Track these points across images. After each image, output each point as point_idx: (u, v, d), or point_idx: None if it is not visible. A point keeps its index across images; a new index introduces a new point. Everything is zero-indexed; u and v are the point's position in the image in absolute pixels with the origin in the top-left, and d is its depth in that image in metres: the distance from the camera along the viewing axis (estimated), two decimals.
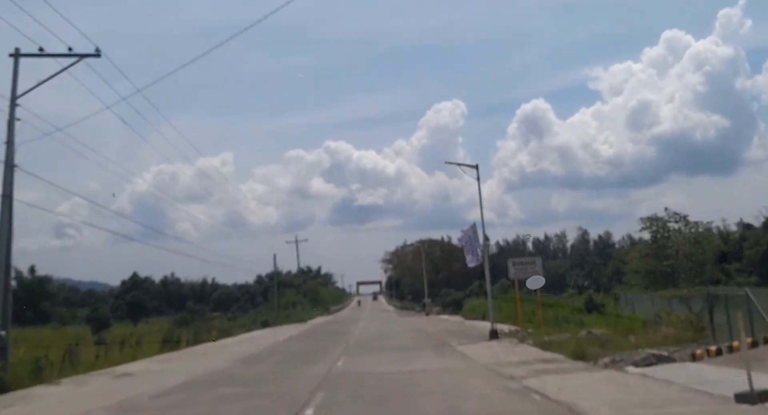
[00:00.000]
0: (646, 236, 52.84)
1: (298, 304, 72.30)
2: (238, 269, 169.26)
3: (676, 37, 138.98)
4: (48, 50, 19.86)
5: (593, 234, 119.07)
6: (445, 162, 26.36)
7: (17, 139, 19.23)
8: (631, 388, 11.64)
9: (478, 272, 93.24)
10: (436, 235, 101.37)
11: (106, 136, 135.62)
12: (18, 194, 19.35)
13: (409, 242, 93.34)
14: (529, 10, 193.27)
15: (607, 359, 15.67)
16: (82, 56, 20.20)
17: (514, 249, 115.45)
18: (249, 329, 49.46)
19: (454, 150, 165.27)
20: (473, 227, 25.82)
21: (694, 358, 15.34)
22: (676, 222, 50.89)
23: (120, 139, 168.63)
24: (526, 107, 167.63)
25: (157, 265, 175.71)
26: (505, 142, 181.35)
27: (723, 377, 11.74)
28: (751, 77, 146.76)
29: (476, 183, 25.63)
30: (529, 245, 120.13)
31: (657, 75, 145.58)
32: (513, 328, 28.29)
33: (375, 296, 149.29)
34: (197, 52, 37.81)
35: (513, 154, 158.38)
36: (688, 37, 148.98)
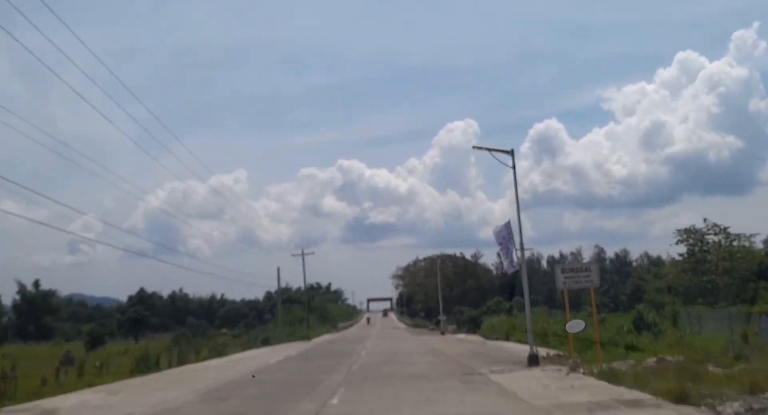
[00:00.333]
0: (681, 249, 46.76)
1: (304, 320, 66.47)
2: (245, 283, 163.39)
3: (690, 59, 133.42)
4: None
5: (609, 253, 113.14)
6: (473, 146, 20.18)
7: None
8: None
9: (495, 288, 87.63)
10: (448, 253, 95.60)
11: (121, 154, 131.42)
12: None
13: (421, 258, 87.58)
14: (542, 30, 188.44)
15: (736, 407, 10.03)
16: None
17: (529, 267, 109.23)
18: (248, 347, 43.93)
19: (466, 169, 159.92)
20: (508, 225, 20.19)
21: None
22: (716, 234, 45.03)
23: (134, 158, 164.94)
24: (539, 127, 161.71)
25: (169, 281, 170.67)
26: (517, 161, 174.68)
27: None
28: (765, 98, 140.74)
29: (511, 172, 20.21)
30: (544, 262, 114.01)
31: (670, 96, 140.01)
32: (551, 351, 22.66)
33: (385, 313, 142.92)
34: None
35: (526, 174, 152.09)
36: (702, 59, 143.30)
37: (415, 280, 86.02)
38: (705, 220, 45.97)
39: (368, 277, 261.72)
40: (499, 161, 20.31)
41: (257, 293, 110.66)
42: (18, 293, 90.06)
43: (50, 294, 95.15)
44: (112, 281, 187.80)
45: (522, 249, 19.91)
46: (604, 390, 13.18)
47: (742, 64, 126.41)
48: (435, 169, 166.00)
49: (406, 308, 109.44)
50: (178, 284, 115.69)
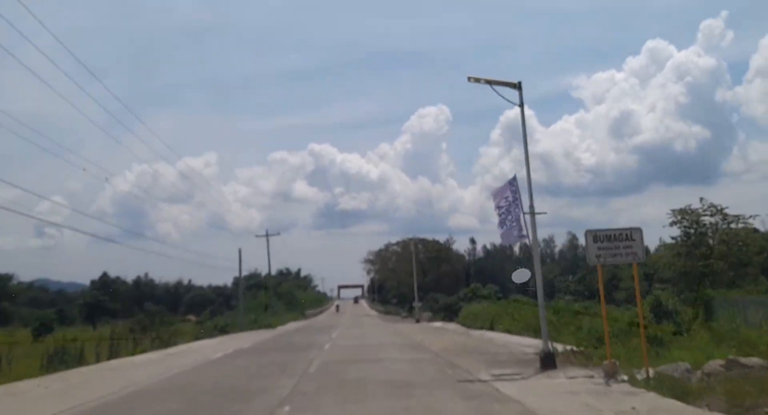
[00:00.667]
0: (674, 232, 42.08)
1: (270, 307, 60.77)
2: (212, 268, 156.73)
3: (659, 48, 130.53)
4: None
5: (581, 240, 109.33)
6: (469, 78, 14.30)
7: None
8: None
9: (469, 274, 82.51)
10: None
11: (86, 134, 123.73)
12: None
13: (393, 242, 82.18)
14: (514, 17, 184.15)
15: None
16: None
17: (501, 253, 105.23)
18: (202, 337, 38.24)
19: (437, 155, 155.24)
20: (513, 182, 14.81)
21: None
22: (712, 215, 40.43)
23: (100, 139, 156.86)
24: (510, 114, 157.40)
25: (137, 265, 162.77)
26: (488, 149, 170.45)
27: None
28: (732, 88, 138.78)
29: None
30: (516, 249, 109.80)
31: (639, 84, 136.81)
32: (558, 345, 17.43)
33: (356, 300, 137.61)
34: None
35: (495, 161, 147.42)
36: (671, 48, 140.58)
37: (387, 265, 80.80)
38: (701, 199, 41.46)
39: (339, 264, 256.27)
40: (504, 98, 15.00)
41: (226, 279, 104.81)
42: None
43: (7, 278, 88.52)
44: (80, 265, 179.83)
45: (532, 212, 14.62)
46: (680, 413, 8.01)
47: (709, 54, 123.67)
48: (406, 155, 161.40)
49: (377, 295, 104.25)
50: (146, 269, 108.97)
